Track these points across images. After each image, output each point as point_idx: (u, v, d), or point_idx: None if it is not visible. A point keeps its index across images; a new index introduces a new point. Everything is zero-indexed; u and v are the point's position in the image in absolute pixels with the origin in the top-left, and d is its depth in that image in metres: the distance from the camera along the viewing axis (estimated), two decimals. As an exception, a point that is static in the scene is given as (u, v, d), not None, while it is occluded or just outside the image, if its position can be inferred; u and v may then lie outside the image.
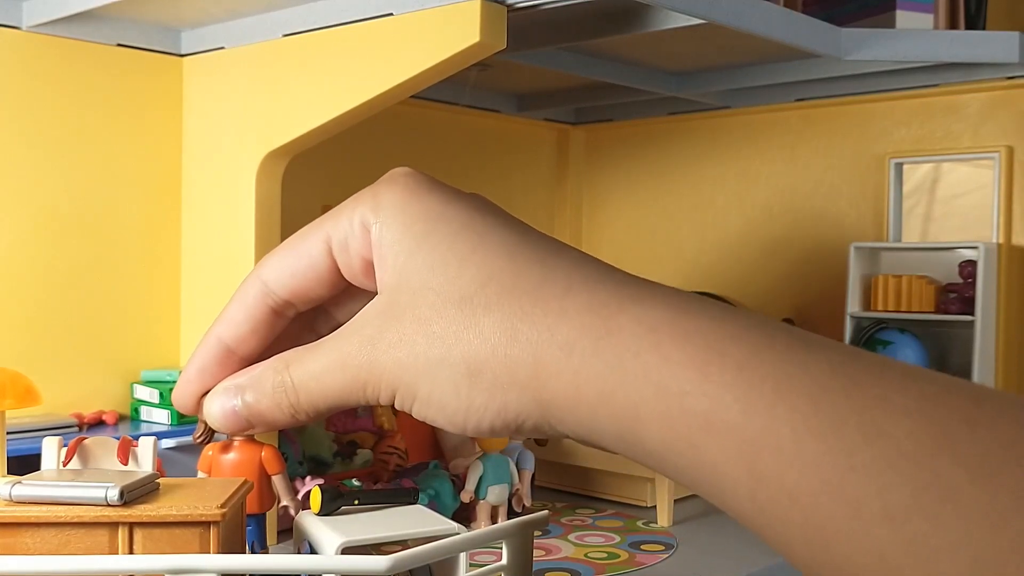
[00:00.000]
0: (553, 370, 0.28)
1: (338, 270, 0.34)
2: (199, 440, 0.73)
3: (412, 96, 0.91)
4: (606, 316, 0.28)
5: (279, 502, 0.74)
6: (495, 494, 0.91)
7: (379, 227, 0.32)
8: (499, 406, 0.29)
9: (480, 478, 0.91)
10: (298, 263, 0.34)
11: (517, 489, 0.95)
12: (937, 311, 1.11)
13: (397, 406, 0.31)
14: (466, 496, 0.91)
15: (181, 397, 0.36)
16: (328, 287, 0.34)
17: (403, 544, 0.74)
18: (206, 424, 0.75)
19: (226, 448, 0.74)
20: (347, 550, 0.67)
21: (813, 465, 0.24)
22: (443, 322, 0.30)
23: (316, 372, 0.32)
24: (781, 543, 0.26)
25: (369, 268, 0.33)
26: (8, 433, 0.76)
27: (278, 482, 0.74)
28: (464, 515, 0.93)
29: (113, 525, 0.59)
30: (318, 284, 0.34)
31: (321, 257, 0.33)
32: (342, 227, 0.33)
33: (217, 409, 0.35)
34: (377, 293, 0.33)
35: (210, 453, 0.74)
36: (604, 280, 0.29)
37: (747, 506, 0.26)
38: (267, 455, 0.73)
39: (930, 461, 0.23)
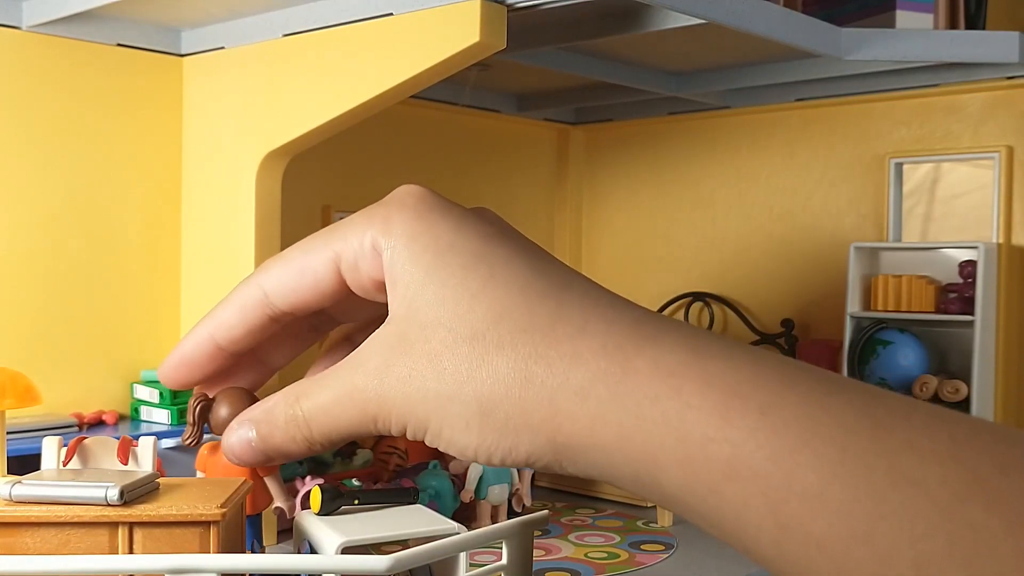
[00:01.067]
0: (568, 415, 0.28)
1: (343, 286, 0.33)
2: (188, 442, 0.73)
3: (412, 96, 0.91)
4: (622, 360, 0.27)
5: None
6: (495, 494, 0.91)
7: (390, 253, 0.31)
8: (511, 445, 0.29)
9: (480, 478, 0.91)
10: (302, 279, 0.33)
11: (517, 489, 0.95)
12: (937, 311, 1.11)
13: (409, 437, 0.31)
14: (466, 496, 0.91)
15: (165, 379, 0.38)
16: (331, 300, 0.34)
17: (403, 544, 0.74)
18: (195, 426, 0.75)
19: (218, 448, 0.73)
20: (347, 550, 0.67)
21: (841, 513, 0.24)
22: (454, 359, 0.29)
23: (326, 404, 0.32)
24: None
25: (381, 287, 0.33)
26: (8, 433, 0.76)
27: (270, 483, 0.73)
28: (464, 515, 0.93)
29: (113, 525, 0.59)
30: (321, 298, 0.34)
31: (327, 275, 0.33)
32: (352, 247, 0.32)
33: (235, 443, 0.36)
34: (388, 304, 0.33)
35: (205, 452, 0.74)
36: (619, 318, 0.29)
37: (772, 553, 0.25)
38: None
39: (963, 509, 0.23)
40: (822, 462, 0.24)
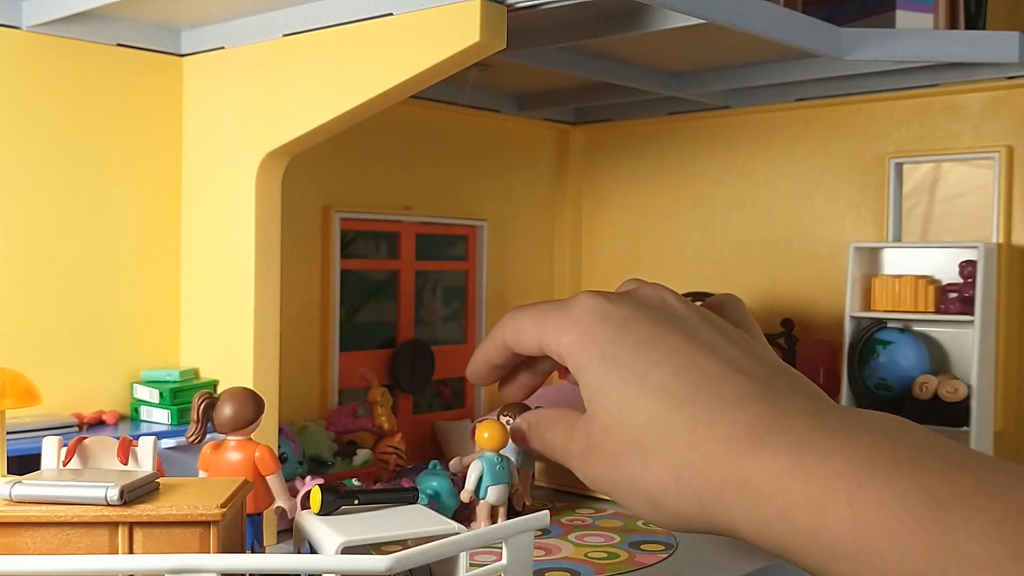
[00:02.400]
0: (713, 509, 0.36)
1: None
2: (191, 440, 0.73)
3: (412, 96, 0.91)
4: (740, 466, 0.34)
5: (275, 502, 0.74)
6: (495, 494, 0.91)
7: (570, 361, 0.40)
8: (683, 525, 0.37)
9: (480, 478, 0.91)
10: (517, 342, 0.43)
11: (517, 488, 0.95)
12: (937, 311, 1.11)
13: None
14: (466, 496, 0.91)
15: (472, 379, 0.47)
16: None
17: (403, 544, 0.74)
18: (199, 424, 0.75)
19: (221, 447, 0.73)
20: (347, 550, 0.67)
21: None
22: (625, 459, 0.38)
23: (548, 440, 0.44)
24: None
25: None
26: (8, 433, 0.76)
27: (273, 482, 0.73)
28: (464, 515, 0.93)
29: (113, 525, 0.59)
30: (533, 353, 0.44)
31: (531, 345, 0.43)
32: (545, 340, 0.42)
33: (522, 426, 0.46)
34: None
35: (207, 451, 0.74)
36: (739, 418, 0.35)
37: None
38: (261, 455, 0.73)
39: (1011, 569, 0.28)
40: (896, 543, 0.30)
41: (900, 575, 0.30)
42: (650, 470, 0.37)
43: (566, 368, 0.45)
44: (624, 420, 0.38)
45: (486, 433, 0.92)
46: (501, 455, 0.93)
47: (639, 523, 0.99)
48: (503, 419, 0.98)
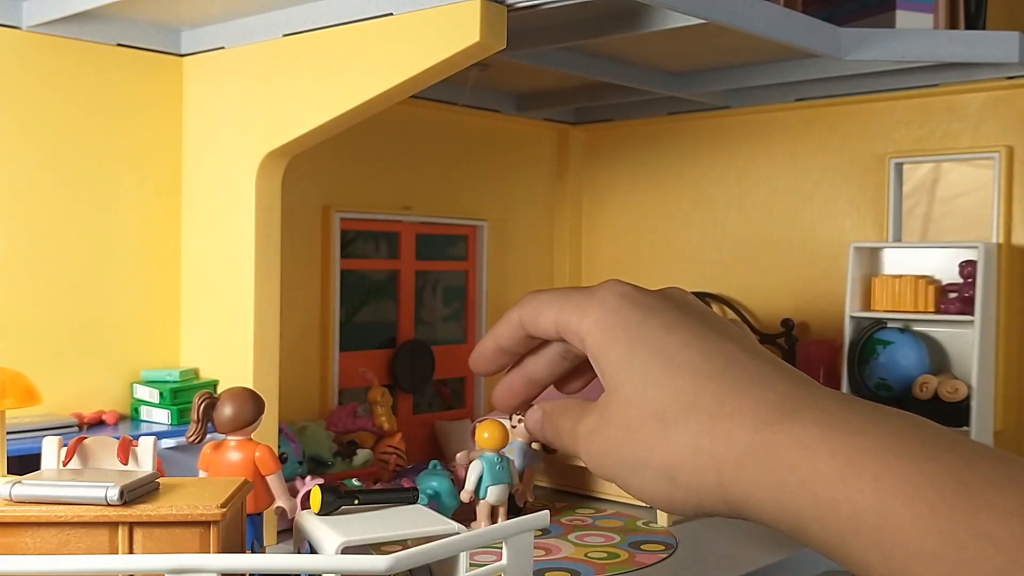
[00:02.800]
0: (732, 480, 0.36)
1: (559, 335, 0.43)
2: (191, 440, 0.73)
3: (412, 96, 0.91)
4: (768, 435, 0.35)
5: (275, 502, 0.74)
6: (495, 494, 0.91)
7: (590, 340, 0.40)
8: (695, 503, 0.37)
9: (480, 478, 0.91)
10: (534, 325, 0.43)
11: (517, 488, 0.95)
12: (937, 311, 1.11)
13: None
14: (466, 496, 0.91)
15: (474, 367, 0.47)
16: (560, 340, 0.44)
17: (403, 544, 0.74)
18: (199, 423, 0.75)
19: (221, 447, 0.73)
20: (347, 550, 0.67)
21: (935, 559, 0.31)
22: (643, 433, 0.38)
23: (558, 428, 0.44)
24: None
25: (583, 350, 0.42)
26: (8, 433, 0.76)
27: (273, 482, 0.73)
28: (464, 515, 0.93)
29: (113, 525, 0.59)
30: (546, 337, 0.44)
31: (548, 327, 0.43)
32: (565, 320, 0.42)
33: (536, 415, 0.46)
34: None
35: (208, 451, 0.74)
36: (767, 395, 0.36)
37: None
38: (261, 455, 0.73)
39: (1021, 555, 0.29)
40: (919, 519, 0.31)
41: (918, 551, 0.31)
42: (670, 440, 0.37)
43: (561, 379, 0.46)
44: (648, 394, 0.38)
45: (486, 433, 0.93)
46: (501, 455, 0.93)
47: (639, 523, 0.99)
48: (515, 417, 0.98)
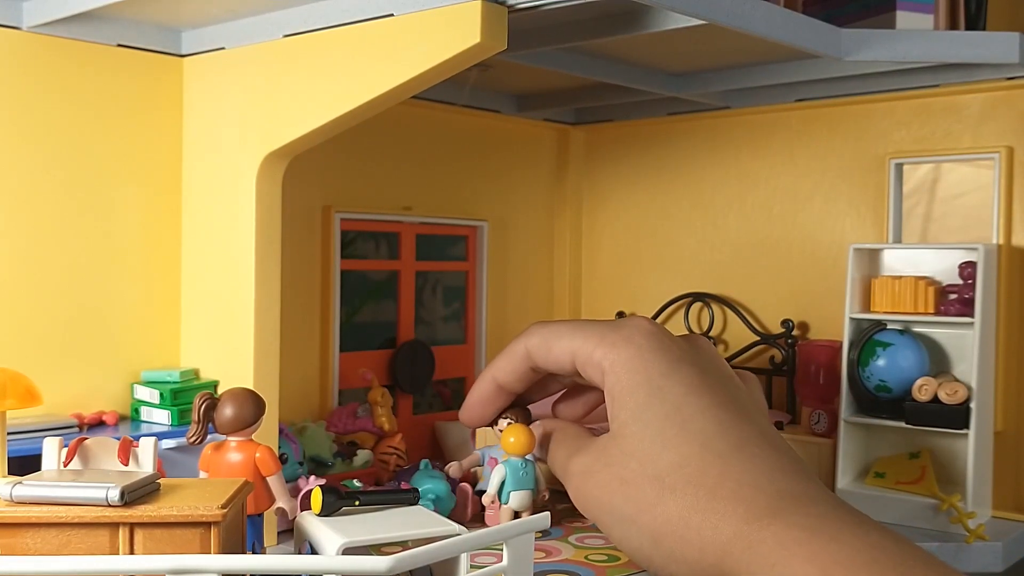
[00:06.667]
0: (713, 562, 0.36)
1: (573, 367, 0.42)
2: (192, 440, 0.73)
3: (412, 96, 0.91)
4: (757, 528, 0.35)
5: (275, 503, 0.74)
6: (517, 499, 0.90)
7: (612, 378, 0.40)
8: (672, 571, 0.37)
9: (502, 482, 0.90)
10: (548, 355, 0.42)
11: (543, 495, 0.94)
12: (937, 312, 1.11)
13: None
14: (487, 500, 0.90)
15: (468, 419, 0.47)
16: (568, 372, 0.43)
17: (404, 545, 0.74)
18: (200, 424, 0.75)
19: (222, 448, 0.73)
20: (348, 551, 0.67)
21: None
22: (637, 489, 0.38)
23: (556, 459, 0.43)
24: None
25: (598, 384, 0.42)
26: (8, 433, 0.76)
27: (273, 483, 0.73)
28: (461, 515, 0.93)
29: (114, 525, 0.59)
30: (559, 369, 0.43)
31: (563, 358, 0.42)
32: (585, 352, 0.41)
33: (536, 432, 0.46)
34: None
35: (208, 452, 0.74)
36: (767, 487, 0.37)
37: None
38: (262, 456, 0.73)
39: None
40: None
41: None
42: (663, 506, 0.37)
43: (559, 398, 0.46)
44: (654, 453, 0.38)
45: (512, 438, 0.89)
46: (526, 460, 0.91)
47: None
48: (503, 421, 0.98)
